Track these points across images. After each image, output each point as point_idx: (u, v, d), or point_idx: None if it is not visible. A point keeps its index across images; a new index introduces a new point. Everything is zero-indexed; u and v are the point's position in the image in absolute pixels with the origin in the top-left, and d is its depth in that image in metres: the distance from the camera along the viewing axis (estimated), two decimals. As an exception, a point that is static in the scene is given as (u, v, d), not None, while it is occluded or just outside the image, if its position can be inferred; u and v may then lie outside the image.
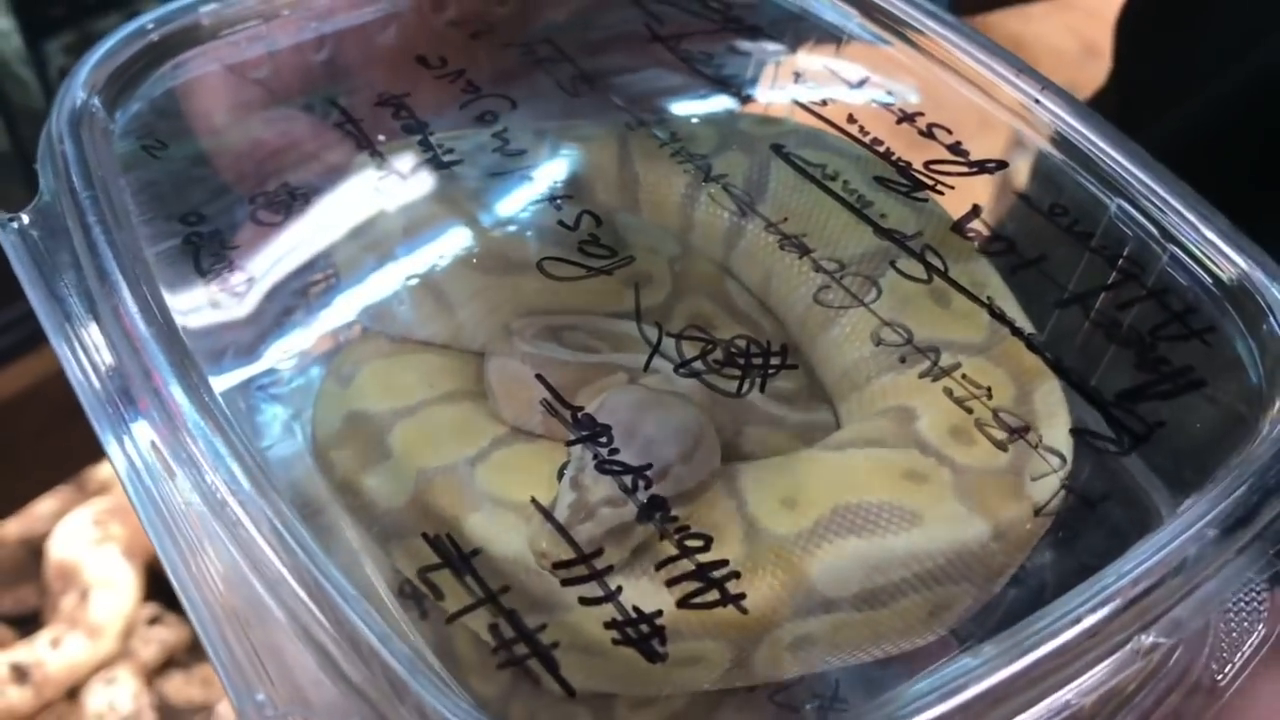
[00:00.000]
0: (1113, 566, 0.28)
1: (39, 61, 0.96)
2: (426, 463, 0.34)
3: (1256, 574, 0.29)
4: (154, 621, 1.10)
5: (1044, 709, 0.27)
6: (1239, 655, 0.36)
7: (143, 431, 0.29)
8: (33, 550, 1.14)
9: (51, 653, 1.05)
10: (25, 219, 0.34)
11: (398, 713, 0.25)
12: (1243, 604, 0.37)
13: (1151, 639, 0.28)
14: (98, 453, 0.32)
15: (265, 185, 0.38)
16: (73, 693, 1.05)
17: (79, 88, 0.36)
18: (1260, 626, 0.36)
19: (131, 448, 0.29)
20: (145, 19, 0.37)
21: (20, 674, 1.03)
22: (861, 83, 0.42)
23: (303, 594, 0.27)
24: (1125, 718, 0.36)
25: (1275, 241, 0.36)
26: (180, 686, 1.09)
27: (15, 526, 1.13)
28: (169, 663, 1.10)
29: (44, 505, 1.07)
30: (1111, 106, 0.67)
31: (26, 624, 1.11)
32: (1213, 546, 0.29)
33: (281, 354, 0.39)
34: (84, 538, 1.11)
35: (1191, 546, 0.29)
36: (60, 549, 1.11)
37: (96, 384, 0.30)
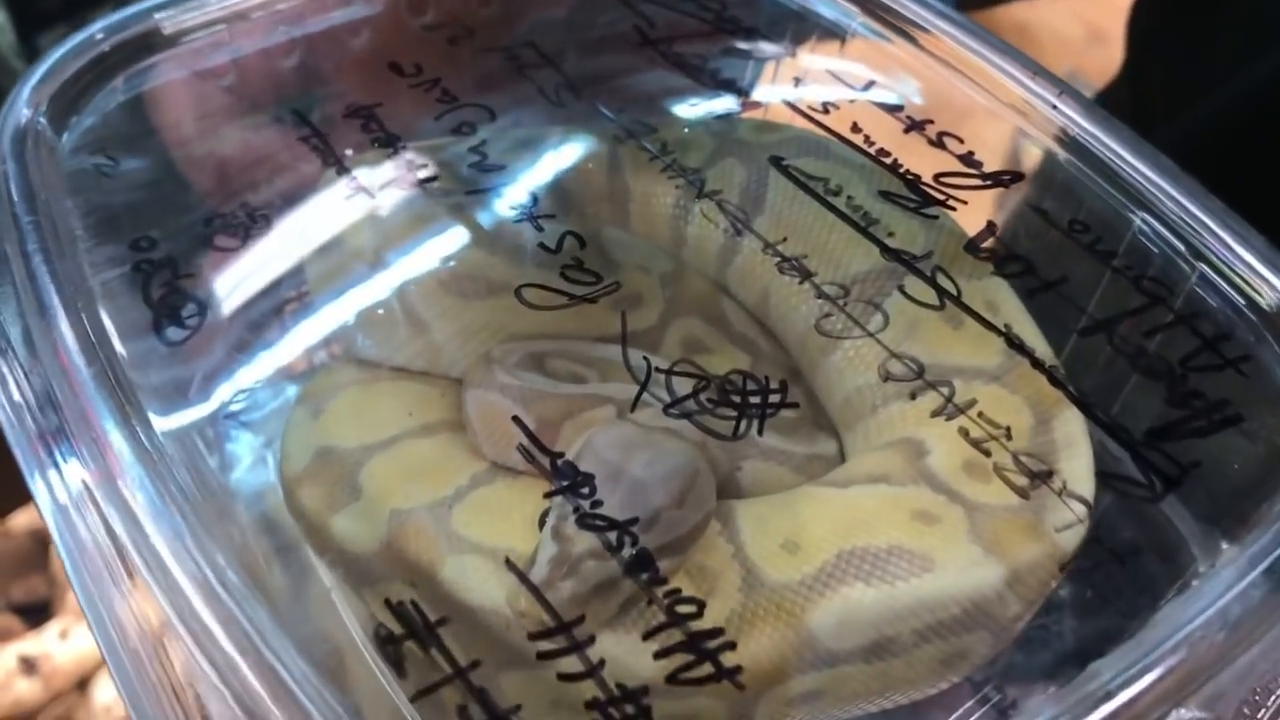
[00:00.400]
0: (1149, 630, 0.25)
1: (31, 55, 0.94)
2: (400, 504, 0.32)
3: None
4: None
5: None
6: (1272, 700, 0.34)
7: (74, 472, 0.27)
8: (41, 541, 1.14)
9: (60, 644, 1.05)
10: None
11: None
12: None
13: (1192, 714, 0.25)
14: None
15: (230, 202, 0.36)
16: (81, 685, 1.05)
17: (23, 105, 0.33)
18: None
19: (60, 486, 0.27)
20: (95, 27, 0.34)
21: (29, 666, 1.03)
22: (867, 86, 0.40)
23: (234, 655, 0.24)
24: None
25: None
26: None
27: (24, 518, 1.12)
28: None
29: None
30: (1124, 101, 0.65)
31: (36, 614, 1.11)
32: (1258, 604, 0.26)
33: (251, 379, 0.36)
34: None
35: (1236, 606, 0.26)
36: None
37: (28, 420, 0.28)
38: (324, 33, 0.40)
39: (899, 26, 0.40)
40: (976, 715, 0.33)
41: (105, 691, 1.03)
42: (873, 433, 0.34)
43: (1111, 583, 0.30)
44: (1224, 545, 0.28)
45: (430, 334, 0.36)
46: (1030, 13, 1.62)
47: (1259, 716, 0.31)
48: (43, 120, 0.33)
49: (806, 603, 0.30)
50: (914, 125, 0.36)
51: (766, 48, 0.42)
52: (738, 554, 0.30)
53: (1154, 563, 0.30)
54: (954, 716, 0.33)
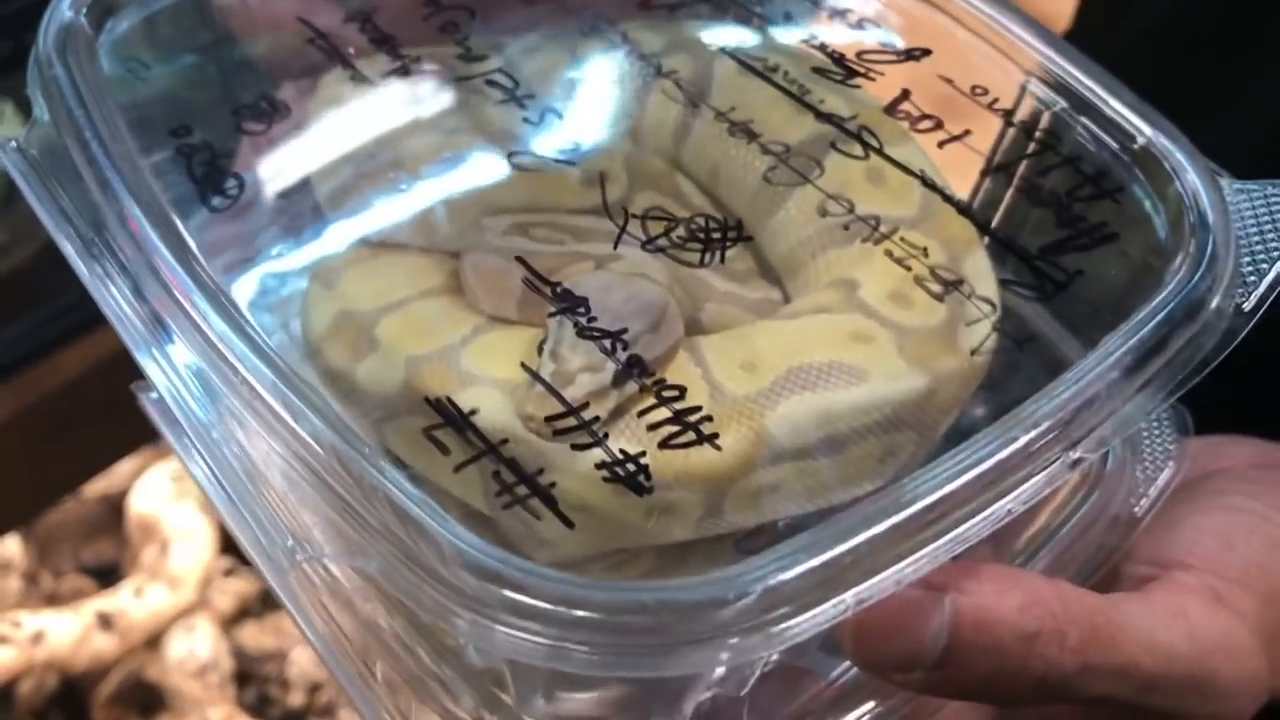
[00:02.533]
0: (1041, 394, 0.32)
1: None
2: (414, 350, 0.37)
3: (1161, 401, 0.33)
4: (229, 573, 1.16)
5: (987, 516, 0.30)
6: (1153, 490, 0.40)
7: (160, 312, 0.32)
8: (112, 506, 1.18)
9: (135, 601, 1.09)
10: (21, 140, 0.37)
11: (418, 548, 0.28)
12: (1155, 448, 0.42)
13: (1079, 454, 0.32)
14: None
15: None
16: (154, 640, 1.10)
17: (66, 7, 0.38)
18: (1169, 466, 0.40)
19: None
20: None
21: (106, 621, 1.07)
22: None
23: (322, 454, 0.30)
24: (1058, 548, 0.40)
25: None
26: (255, 634, 1.14)
27: (96, 484, 1.16)
28: (243, 612, 1.16)
29: (123, 464, 1.10)
30: None
31: (105, 576, 1.15)
32: (1125, 378, 0.33)
33: (271, 265, 0.41)
34: (162, 493, 1.15)
35: (1111, 374, 0.32)
36: (140, 504, 1.15)
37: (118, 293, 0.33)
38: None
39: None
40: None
41: (178, 645, 1.07)
42: (812, 277, 0.40)
43: (1009, 373, 0.36)
44: (1096, 338, 0.34)
45: (429, 212, 0.41)
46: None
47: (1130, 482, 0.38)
48: (83, 21, 0.38)
49: (763, 409, 0.35)
50: (836, 14, 0.42)
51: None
52: (705, 375, 0.36)
53: (1044, 356, 0.36)
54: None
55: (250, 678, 1.12)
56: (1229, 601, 0.37)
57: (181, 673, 1.08)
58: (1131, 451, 0.42)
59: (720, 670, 0.36)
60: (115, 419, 0.85)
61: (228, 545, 1.14)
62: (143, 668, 1.09)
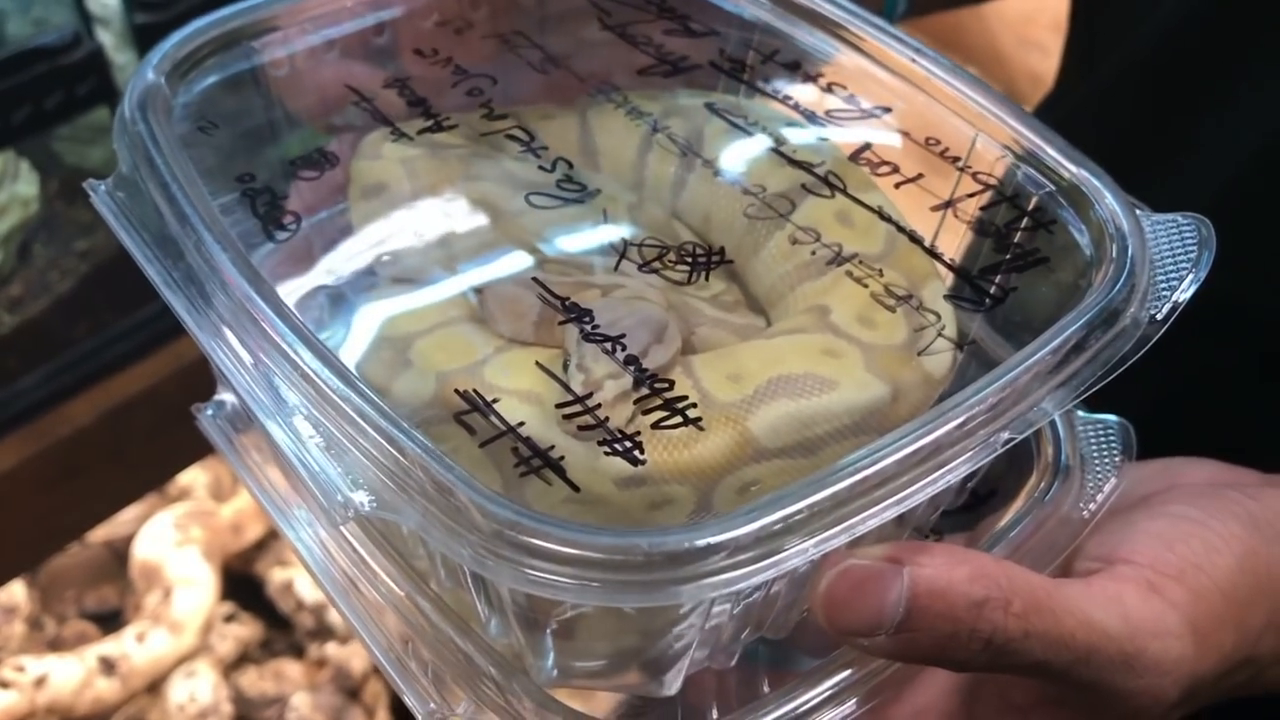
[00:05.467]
0: (975, 384, 0.37)
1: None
2: (443, 366, 0.43)
3: (1082, 393, 0.39)
4: (230, 619, 1.18)
5: (923, 487, 0.36)
6: (1100, 496, 0.46)
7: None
8: (115, 552, 1.20)
9: (137, 647, 1.10)
10: (109, 185, 0.43)
11: (446, 503, 0.34)
12: (1103, 461, 0.47)
13: (1007, 434, 0.37)
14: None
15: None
16: (155, 685, 1.12)
17: (149, 70, 0.44)
18: (1114, 478, 0.46)
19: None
20: (201, 22, 0.46)
21: (108, 666, 1.09)
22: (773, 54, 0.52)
23: (372, 432, 0.35)
24: (1015, 542, 0.45)
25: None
26: (254, 680, 1.17)
27: (100, 531, 1.18)
28: (244, 657, 1.18)
29: (127, 510, 1.12)
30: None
31: (108, 621, 1.17)
32: (1050, 373, 0.39)
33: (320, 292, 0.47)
34: (166, 539, 1.17)
35: (1035, 368, 0.38)
36: (144, 550, 1.17)
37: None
38: (356, 34, 0.51)
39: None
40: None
41: (178, 690, 1.09)
42: (790, 305, 0.46)
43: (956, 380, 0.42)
44: (1026, 345, 0.40)
45: (454, 252, 0.47)
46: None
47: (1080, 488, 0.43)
48: (164, 81, 0.44)
49: (747, 414, 0.40)
50: (809, 78, 0.49)
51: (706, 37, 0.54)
52: (695, 385, 0.41)
53: (984, 355, 0.42)
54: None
55: (249, 723, 1.14)
56: (1163, 592, 0.41)
57: (182, 717, 1.10)
58: (1082, 463, 0.47)
59: (707, 646, 0.42)
60: (122, 467, 0.89)
61: (228, 591, 1.16)
62: (144, 712, 1.11)
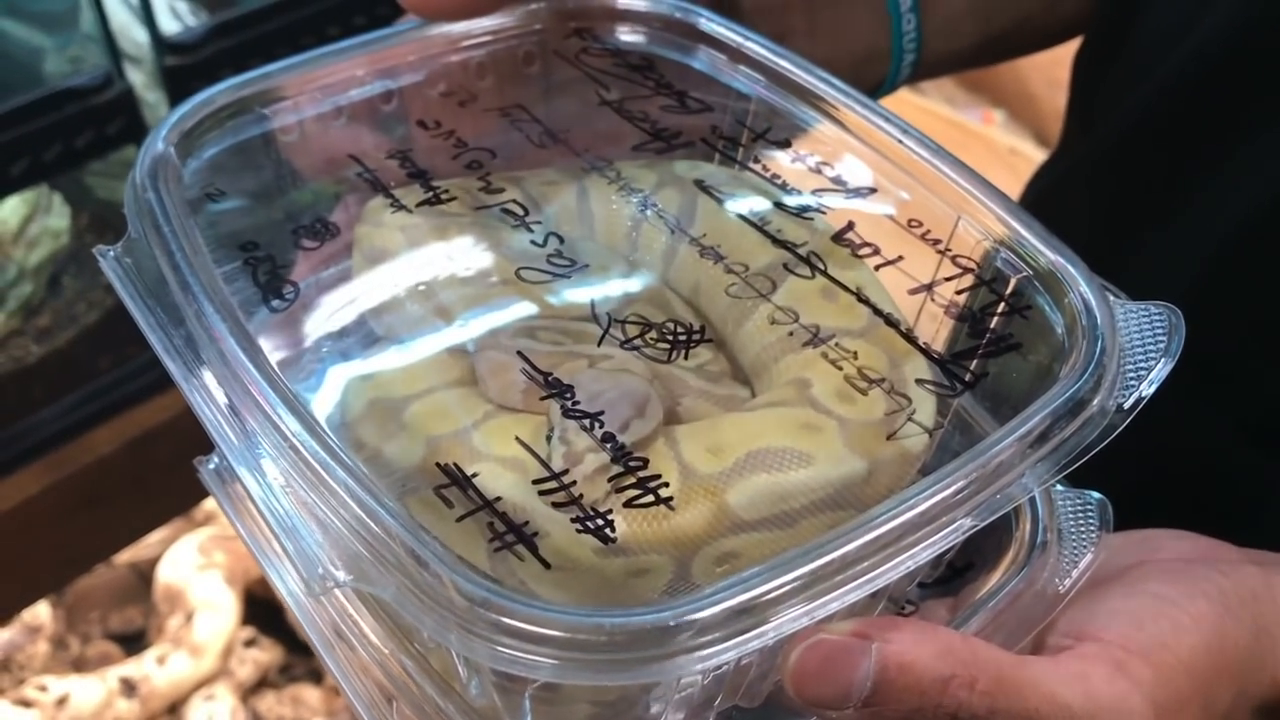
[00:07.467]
0: (936, 475, 0.39)
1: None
2: (434, 431, 0.44)
3: (1047, 480, 0.40)
4: (250, 644, 1.20)
5: (891, 569, 0.37)
6: (1075, 571, 0.47)
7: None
8: (140, 575, 1.21)
9: (158, 669, 1.12)
10: (118, 251, 0.45)
11: (421, 578, 0.35)
12: (1080, 535, 0.48)
13: (971, 521, 0.38)
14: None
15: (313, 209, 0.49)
16: (175, 707, 1.13)
17: (159, 140, 0.46)
18: (1090, 552, 0.47)
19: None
20: (213, 90, 0.48)
21: (129, 688, 1.10)
22: (765, 131, 0.54)
23: (353, 506, 0.37)
24: (989, 615, 0.46)
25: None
26: (272, 704, 1.17)
27: (125, 553, 1.20)
28: (262, 682, 1.19)
29: (154, 534, 1.13)
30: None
31: (131, 642, 1.19)
32: (1016, 461, 0.40)
33: (315, 357, 0.49)
34: (190, 564, 1.19)
35: (1003, 454, 0.39)
36: (168, 574, 1.19)
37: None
38: (363, 101, 0.53)
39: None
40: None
41: (197, 714, 1.10)
42: (773, 377, 0.47)
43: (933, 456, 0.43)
44: (999, 426, 0.41)
45: (451, 318, 0.49)
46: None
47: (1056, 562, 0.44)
48: (173, 153, 0.46)
49: (725, 486, 0.41)
50: (797, 158, 0.50)
51: (697, 113, 0.55)
52: (677, 458, 0.42)
53: (958, 436, 0.43)
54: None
55: (267, 746, 1.14)
56: (1129, 671, 0.42)
57: (201, 740, 1.11)
58: (1059, 537, 0.48)
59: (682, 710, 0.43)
60: (143, 496, 0.91)
61: (249, 616, 1.17)
62: (162, 737, 1.13)
